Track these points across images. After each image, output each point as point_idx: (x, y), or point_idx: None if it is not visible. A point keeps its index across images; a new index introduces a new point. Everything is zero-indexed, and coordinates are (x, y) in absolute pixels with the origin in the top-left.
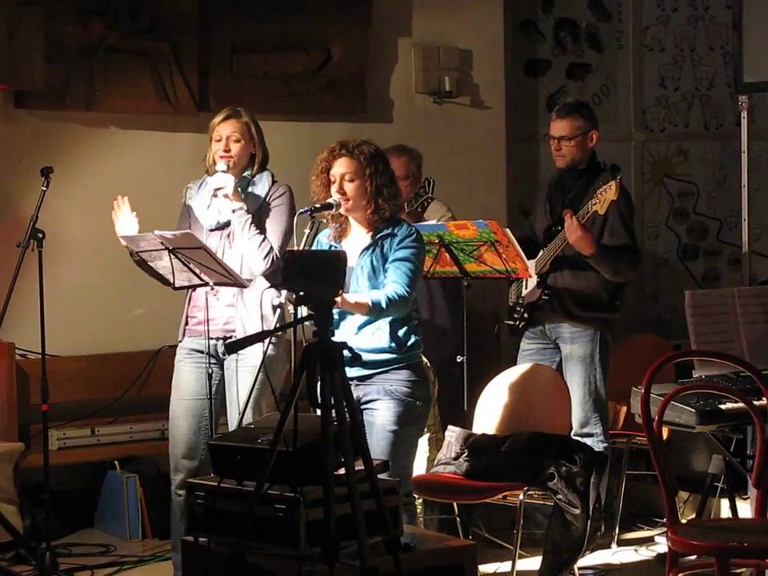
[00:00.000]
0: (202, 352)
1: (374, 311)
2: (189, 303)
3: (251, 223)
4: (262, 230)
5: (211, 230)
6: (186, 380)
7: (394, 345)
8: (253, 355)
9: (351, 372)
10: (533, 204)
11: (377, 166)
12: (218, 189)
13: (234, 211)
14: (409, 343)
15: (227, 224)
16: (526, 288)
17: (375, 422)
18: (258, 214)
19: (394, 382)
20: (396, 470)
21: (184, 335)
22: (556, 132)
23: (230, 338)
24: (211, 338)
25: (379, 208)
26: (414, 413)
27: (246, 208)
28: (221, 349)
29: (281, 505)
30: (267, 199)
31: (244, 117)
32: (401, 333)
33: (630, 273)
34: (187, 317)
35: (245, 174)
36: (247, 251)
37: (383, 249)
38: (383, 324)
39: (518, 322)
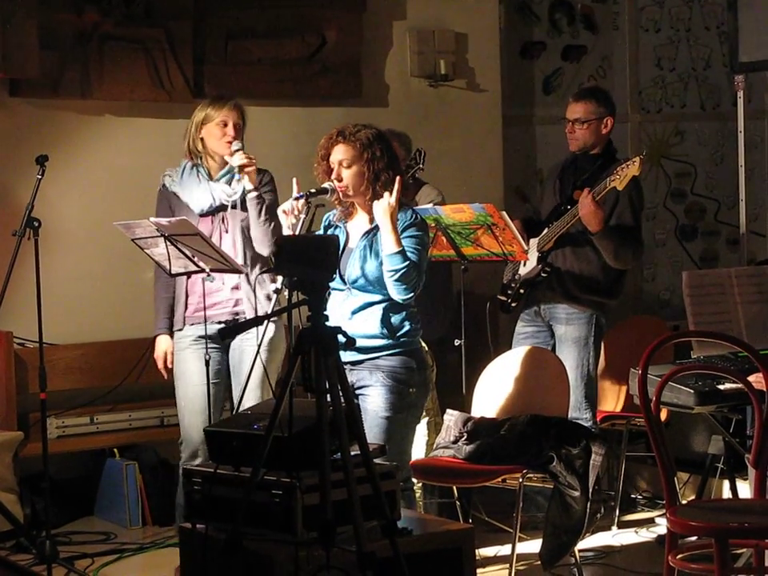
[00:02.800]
0: (209, 337)
1: (402, 254)
2: (187, 290)
3: (263, 207)
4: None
5: (202, 216)
6: (196, 366)
7: (385, 330)
8: (260, 336)
9: (345, 356)
10: (530, 187)
11: (374, 151)
12: (246, 166)
13: (248, 192)
14: (403, 330)
15: (219, 208)
16: (524, 266)
17: (368, 408)
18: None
19: (387, 368)
20: (392, 456)
21: (184, 323)
22: (571, 114)
23: (239, 320)
24: (220, 322)
25: (377, 194)
26: (407, 399)
27: (260, 191)
28: None
29: (277, 490)
30: (257, 187)
31: (242, 105)
32: (394, 319)
33: (631, 259)
34: (187, 304)
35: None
36: (258, 234)
37: None
38: (376, 309)
39: (510, 299)
